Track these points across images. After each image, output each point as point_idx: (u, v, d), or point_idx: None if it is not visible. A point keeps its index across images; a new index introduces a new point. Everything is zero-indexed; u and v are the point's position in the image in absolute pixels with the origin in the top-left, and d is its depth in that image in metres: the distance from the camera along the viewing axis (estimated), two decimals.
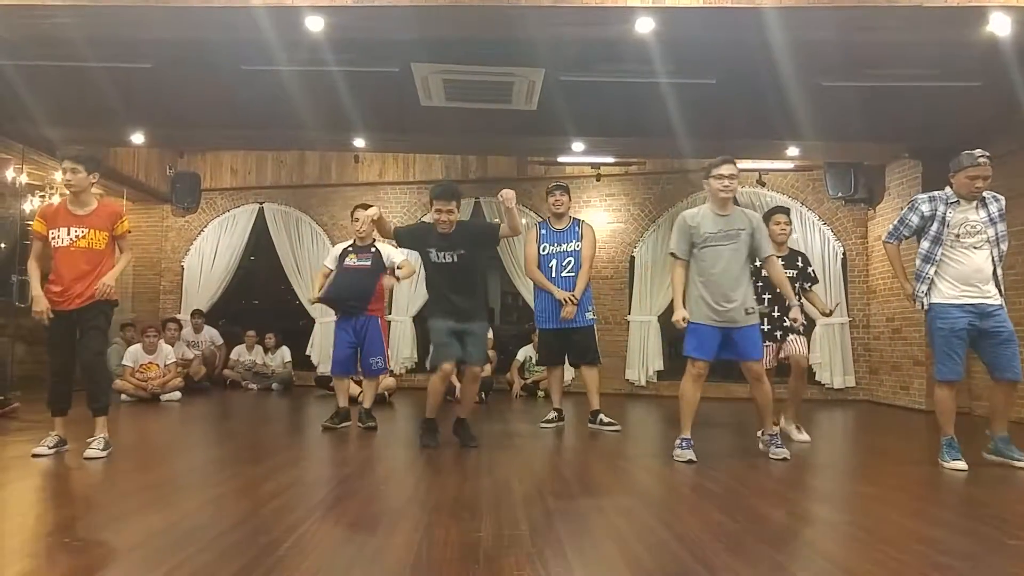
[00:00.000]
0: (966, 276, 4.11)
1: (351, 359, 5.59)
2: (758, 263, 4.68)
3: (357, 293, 5.43)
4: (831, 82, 6.50)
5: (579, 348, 5.72)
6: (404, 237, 4.87)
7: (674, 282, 4.45)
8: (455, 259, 4.59)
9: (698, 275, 4.35)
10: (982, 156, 4.11)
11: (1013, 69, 5.40)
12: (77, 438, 4.19)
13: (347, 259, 5.52)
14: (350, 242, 5.64)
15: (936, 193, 4.27)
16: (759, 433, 4.60)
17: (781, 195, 9.35)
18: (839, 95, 6.66)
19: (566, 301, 5.51)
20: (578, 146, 7.89)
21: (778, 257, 5.00)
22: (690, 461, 4.16)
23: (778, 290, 4.89)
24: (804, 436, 5.14)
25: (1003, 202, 4.21)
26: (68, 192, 4.13)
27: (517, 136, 7.65)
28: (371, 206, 5.57)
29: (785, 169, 9.26)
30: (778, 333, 5.04)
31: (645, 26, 4.93)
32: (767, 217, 5.19)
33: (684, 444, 4.28)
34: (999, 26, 4.73)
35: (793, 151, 7.92)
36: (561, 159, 9.18)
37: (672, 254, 4.45)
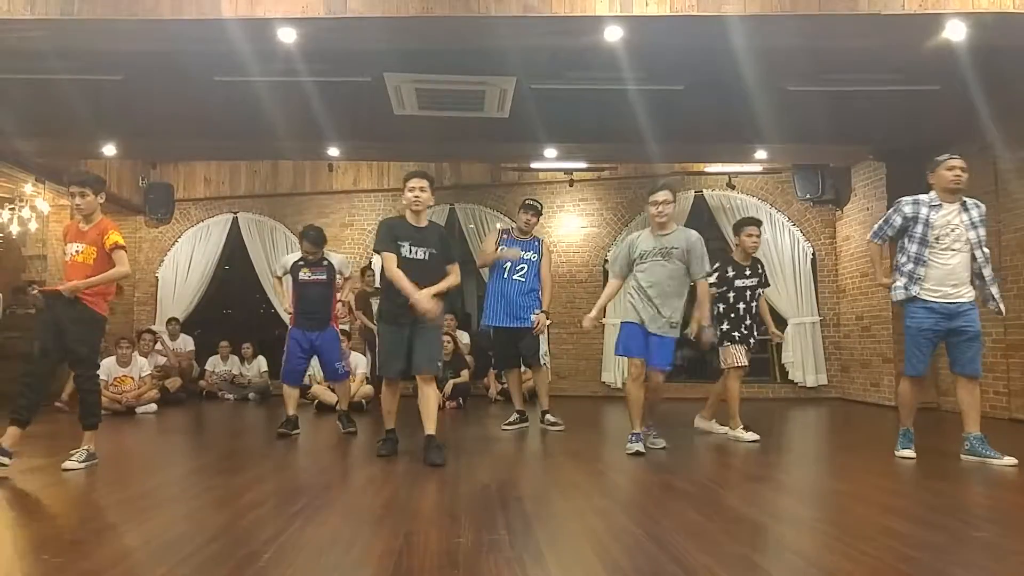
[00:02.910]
0: (940, 278, 4.26)
1: (303, 369, 5.80)
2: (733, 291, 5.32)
3: (318, 306, 5.64)
4: (797, 87, 6.64)
5: (527, 349, 6.03)
6: (380, 241, 4.51)
7: (605, 291, 4.98)
8: (426, 257, 4.45)
9: (633, 284, 4.71)
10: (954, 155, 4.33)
11: (968, 73, 5.59)
12: (52, 453, 4.18)
13: (302, 273, 5.63)
14: (299, 256, 5.73)
15: (920, 196, 4.38)
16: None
17: (750, 197, 9.51)
18: (805, 99, 6.80)
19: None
20: (550, 152, 7.96)
21: (743, 265, 5.45)
22: (638, 453, 4.51)
23: (754, 304, 5.43)
24: (718, 429, 5.57)
25: (983, 209, 4.35)
26: (78, 215, 4.24)
27: (490, 143, 7.71)
28: (315, 231, 5.71)
29: (754, 172, 9.42)
30: (751, 340, 5.47)
31: (614, 34, 5.02)
32: (738, 228, 5.56)
33: (633, 438, 4.62)
34: (954, 32, 4.88)
35: (761, 154, 8.05)
36: (534, 165, 9.24)
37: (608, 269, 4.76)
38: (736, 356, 5.36)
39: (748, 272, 5.44)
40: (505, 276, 5.86)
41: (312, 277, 5.62)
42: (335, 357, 5.75)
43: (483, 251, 6.12)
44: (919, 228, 4.29)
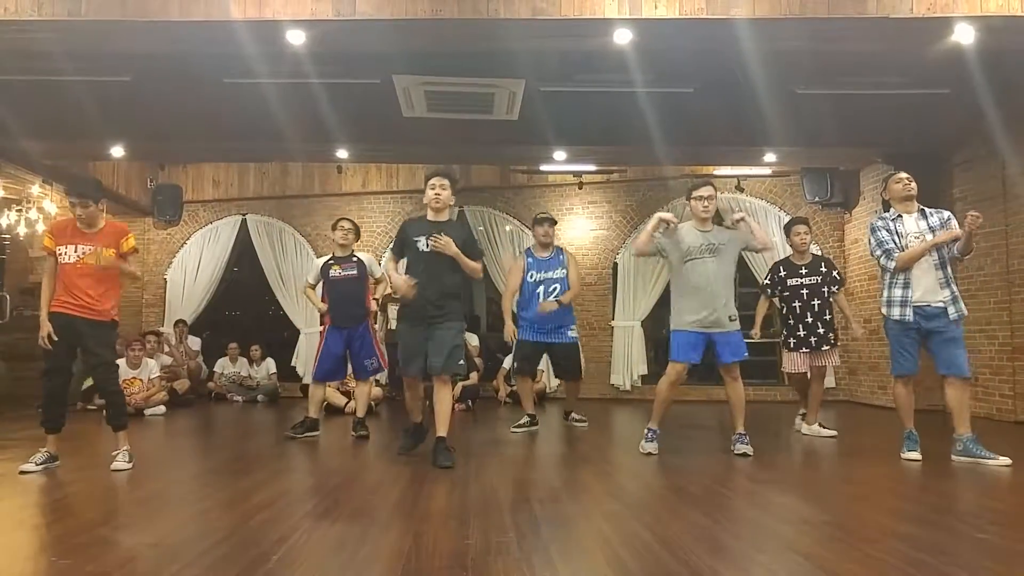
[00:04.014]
0: (914, 281, 4.41)
1: (337, 367, 5.71)
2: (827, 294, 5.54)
3: (352, 303, 5.61)
4: (805, 90, 6.63)
5: (563, 364, 6.16)
6: (396, 244, 4.62)
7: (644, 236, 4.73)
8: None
9: (681, 286, 4.65)
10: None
11: (978, 76, 5.58)
12: (60, 455, 4.21)
13: (332, 271, 5.62)
14: (329, 256, 5.77)
15: (881, 215, 4.65)
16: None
17: (759, 200, 9.50)
18: (813, 102, 6.79)
19: (511, 337, 5.86)
20: (560, 155, 7.96)
21: (797, 265, 5.63)
22: (649, 454, 4.56)
23: (816, 302, 5.55)
24: (830, 431, 5.73)
25: (945, 215, 4.50)
26: (78, 221, 4.20)
27: (499, 145, 7.72)
28: (350, 220, 5.81)
29: (763, 175, 9.41)
30: (813, 340, 5.55)
31: (623, 37, 5.02)
32: (787, 229, 5.79)
33: (650, 435, 4.68)
34: (963, 35, 4.88)
35: (770, 157, 8.04)
36: (543, 167, 9.25)
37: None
38: (789, 363, 5.65)
39: (805, 271, 5.59)
40: (541, 300, 5.85)
41: (343, 274, 5.60)
42: (368, 353, 5.68)
43: (508, 288, 6.11)
44: (893, 239, 4.49)
